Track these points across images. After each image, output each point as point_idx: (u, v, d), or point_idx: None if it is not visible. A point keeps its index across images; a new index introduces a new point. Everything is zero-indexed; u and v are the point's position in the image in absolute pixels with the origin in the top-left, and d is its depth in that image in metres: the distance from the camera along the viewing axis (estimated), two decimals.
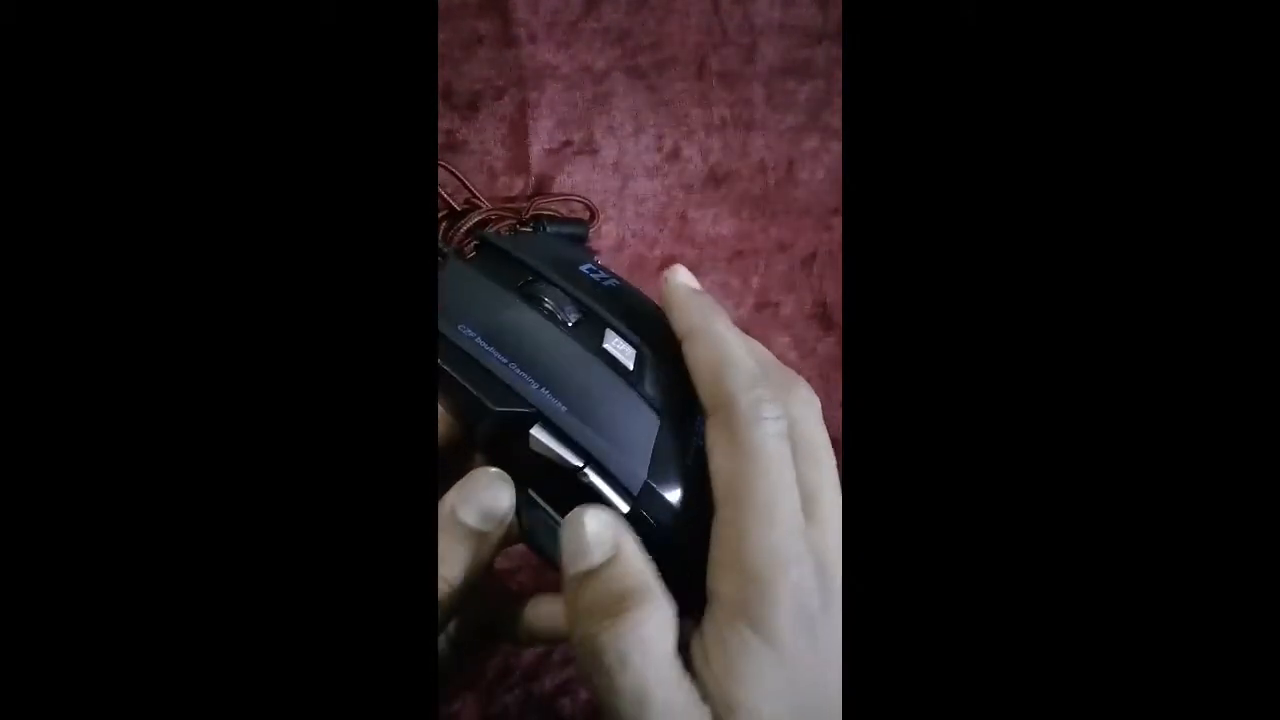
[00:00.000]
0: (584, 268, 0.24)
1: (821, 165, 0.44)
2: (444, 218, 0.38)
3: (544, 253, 0.24)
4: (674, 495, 0.22)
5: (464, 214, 0.38)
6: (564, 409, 0.22)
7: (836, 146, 0.44)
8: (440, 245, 0.30)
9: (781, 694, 0.20)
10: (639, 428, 0.22)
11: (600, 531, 0.21)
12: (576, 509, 0.22)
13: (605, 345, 0.23)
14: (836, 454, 0.41)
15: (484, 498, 0.23)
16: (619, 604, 0.21)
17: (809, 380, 0.25)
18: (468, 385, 0.22)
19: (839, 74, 0.44)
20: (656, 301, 0.25)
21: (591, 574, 0.21)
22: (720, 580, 0.21)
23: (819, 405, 0.24)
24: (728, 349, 0.23)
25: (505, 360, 0.22)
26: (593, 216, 0.39)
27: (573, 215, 0.40)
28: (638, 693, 0.20)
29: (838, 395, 0.43)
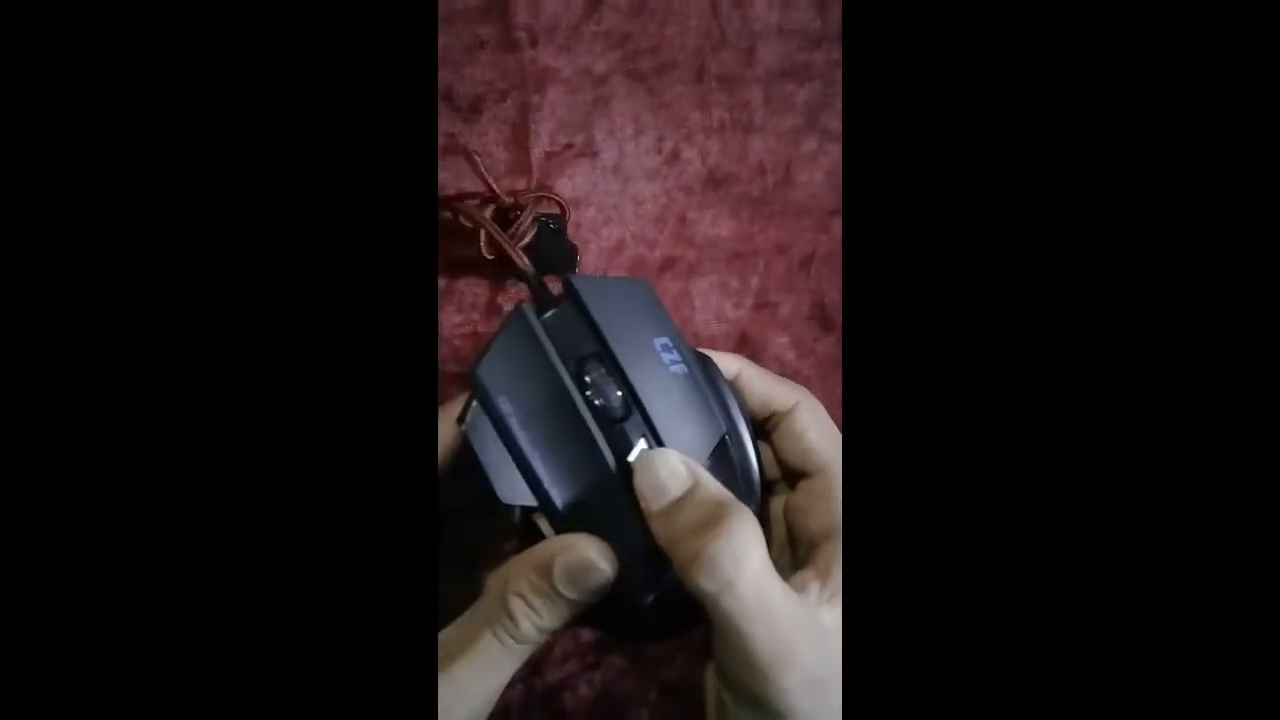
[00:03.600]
0: (658, 343, 0.23)
1: (820, 167, 0.44)
2: (479, 202, 0.37)
3: (622, 316, 0.23)
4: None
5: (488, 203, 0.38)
6: (567, 515, 0.22)
7: (835, 149, 0.44)
8: (519, 275, 0.29)
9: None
10: (635, 550, 0.22)
11: (674, 467, 0.23)
12: (643, 453, 0.23)
13: (630, 459, 0.22)
14: None
15: (591, 578, 0.23)
16: (714, 519, 0.22)
17: (807, 381, 0.27)
18: (485, 466, 0.22)
19: (838, 77, 0.44)
20: (721, 373, 0.27)
21: (677, 504, 0.23)
22: (830, 523, 0.26)
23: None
24: (771, 373, 0.29)
25: (528, 449, 0.22)
26: (564, 211, 0.40)
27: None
28: (756, 584, 0.22)
29: (837, 395, 0.43)
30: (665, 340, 0.23)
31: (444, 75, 0.40)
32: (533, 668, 0.40)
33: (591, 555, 0.23)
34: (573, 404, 0.22)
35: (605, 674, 0.41)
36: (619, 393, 0.23)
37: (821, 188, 0.44)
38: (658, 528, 0.23)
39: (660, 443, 0.23)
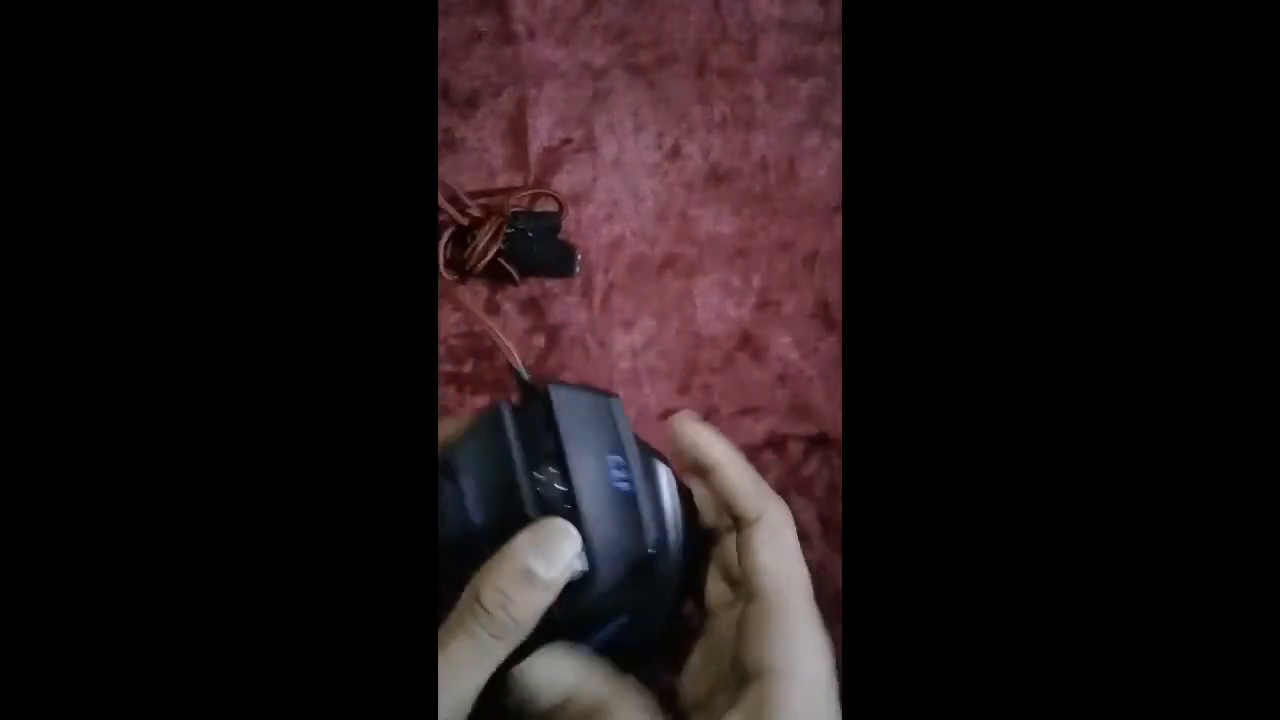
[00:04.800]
0: (611, 459, 0.26)
1: (823, 163, 0.44)
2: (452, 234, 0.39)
3: (584, 428, 0.26)
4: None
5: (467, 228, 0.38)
6: None
7: (839, 144, 0.44)
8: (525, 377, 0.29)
9: None
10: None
11: (555, 677, 0.25)
12: (522, 667, 0.25)
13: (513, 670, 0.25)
14: (837, 454, 0.41)
15: (562, 550, 0.25)
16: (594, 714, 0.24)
17: (810, 380, 0.26)
18: (444, 529, 0.25)
19: (840, 71, 0.44)
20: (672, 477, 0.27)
21: (563, 706, 0.24)
22: (769, 656, 0.24)
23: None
24: (752, 472, 0.27)
25: (477, 525, 0.25)
26: (561, 208, 0.39)
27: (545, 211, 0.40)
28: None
29: (839, 396, 0.43)
30: (619, 459, 0.26)
31: (440, 69, 0.39)
32: None
33: (560, 524, 0.25)
34: (520, 494, 0.25)
35: None
36: (563, 492, 0.25)
37: (825, 184, 0.44)
38: None
39: (587, 545, 0.25)
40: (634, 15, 0.41)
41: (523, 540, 0.24)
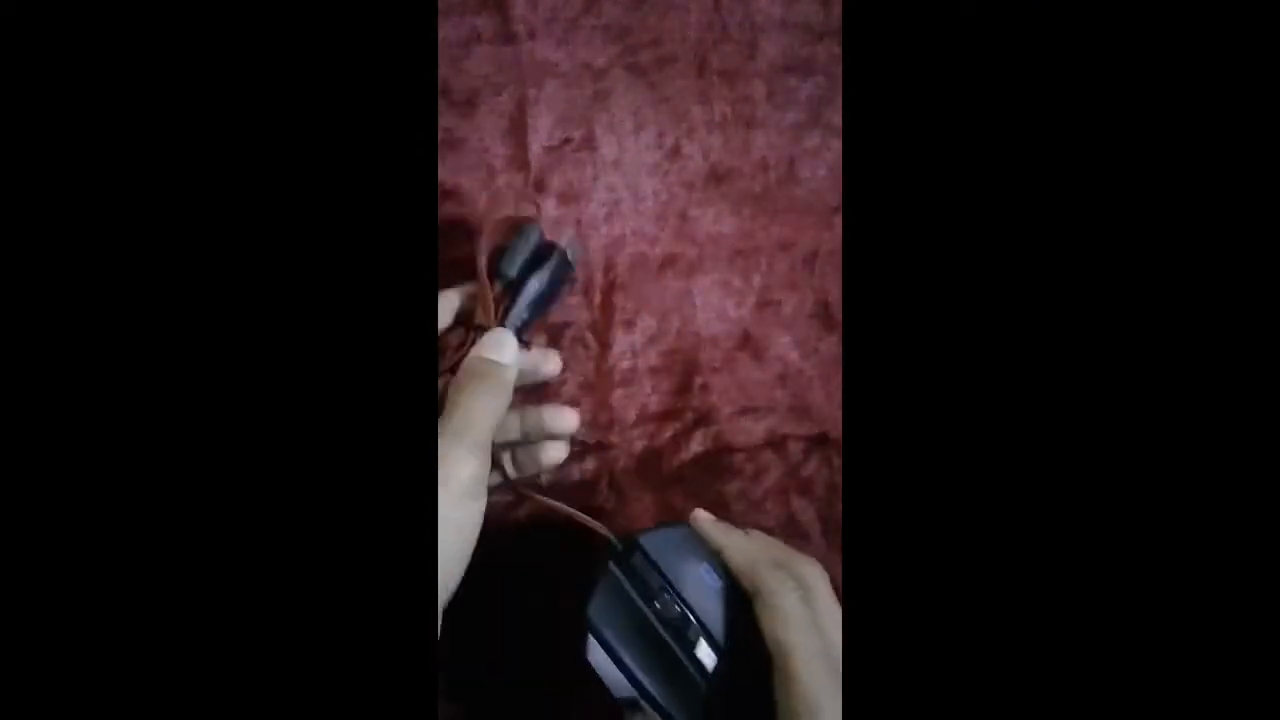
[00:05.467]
0: (702, 568, 0.33)
1: (823, 163, 0.44)
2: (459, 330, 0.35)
3: (678, 556, 0.33)
4: None
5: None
6: (659, 699, 0.31)
7: (839, 144, 0.44)
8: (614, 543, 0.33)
9: None
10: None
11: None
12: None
13: (696, 653, 0.32)
14: (837, 454, 0.40)
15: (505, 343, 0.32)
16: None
17: (810, 380, 0.26)
18: (602, 678, 0.31)
19: (840, 71, 0.44)
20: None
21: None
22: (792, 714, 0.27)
23: (827, 576, 0.31)
24: (751, 553, 0.32)
25: (629, 663, 0.31)
26: (564, 259, 0.36)
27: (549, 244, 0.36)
28: None
29: (838, 396, 0.43)
30: (707, 565, 0.32)
31: (441, 68, 0.39)
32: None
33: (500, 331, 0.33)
34: (653, 626, 0.31)
35: None
36: (679, 610, 0.32)
37: (825, 184, 0.44)
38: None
39: (710, 637, 0.32)
40: (634, 15, 0.41)
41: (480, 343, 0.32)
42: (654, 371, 0.42)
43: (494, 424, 0.30)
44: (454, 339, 0.34)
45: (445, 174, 0.39)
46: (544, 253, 0.35)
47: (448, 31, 0.39)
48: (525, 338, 0.34)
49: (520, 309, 0.34)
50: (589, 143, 0.41)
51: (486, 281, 0.34)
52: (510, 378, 0.32)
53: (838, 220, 0.44)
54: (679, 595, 0.32)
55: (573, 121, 0.41)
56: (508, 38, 0.40)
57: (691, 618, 0.32)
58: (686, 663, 0.31)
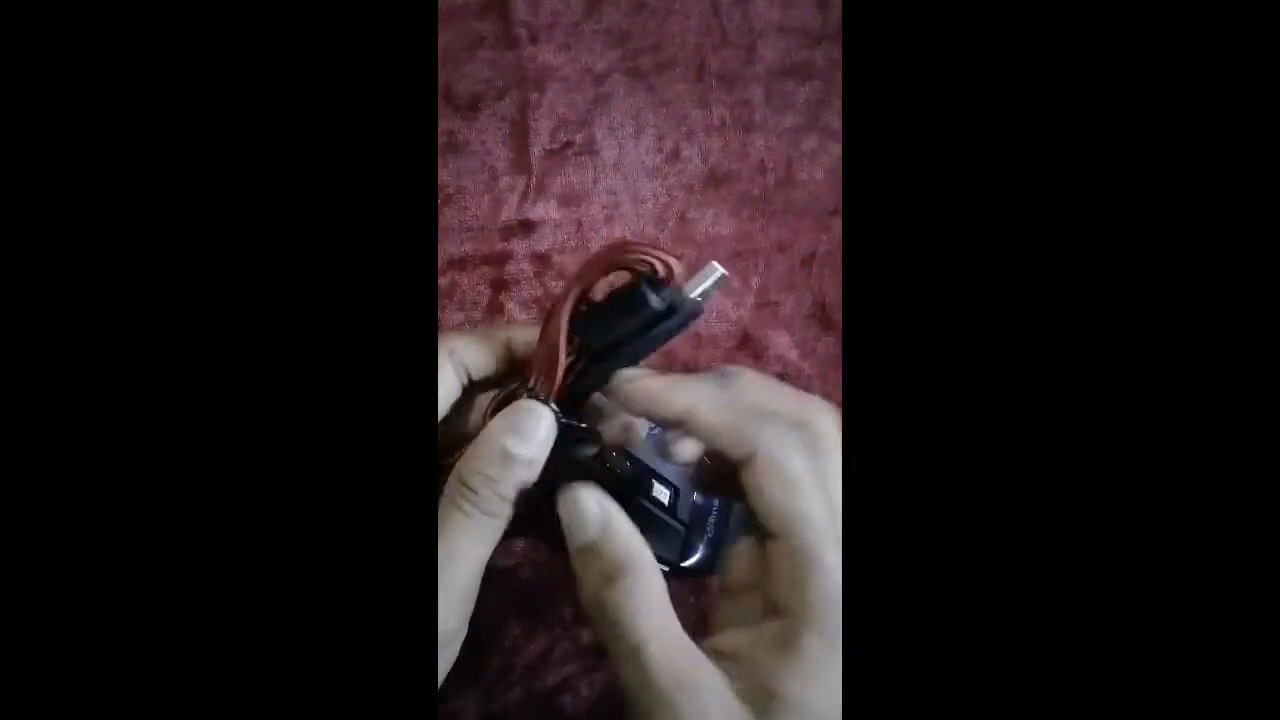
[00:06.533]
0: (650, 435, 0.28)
1: (821, 166, 0.44)
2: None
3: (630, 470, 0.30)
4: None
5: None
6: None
7: (835, 147, 0.44)
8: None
9: (834, 688, 0.22)
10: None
11: (594, 509, 0.24)
12: (570, 485, 0.25)
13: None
14: None
15: (535, 428, 0.25)
16: (616, 570, 0.23)
17: (809, 380, 0.25)
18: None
19: (838, 75, 0.44)
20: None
21: (591, 546, 0.24)
22: (789, 597, 0.22)
23: (838, 416, 0.25)
24: (738, 403, 0.24)
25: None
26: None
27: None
28: (636, 641, 0.22)
29: (838, 395, 0.43)
30: (670, 465, 0.29)
31: (443, 73, 0.40)
32: (532, 671, 0.40)
33: (531, 404, 0.25)
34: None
35: (605, 675, 0.41)
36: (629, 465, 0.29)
37: (822, 186, 0.44)
38: (574, 565, 0.24)
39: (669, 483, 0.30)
40: (634, 20, 0.42)
41: (497, 424, 0.25)
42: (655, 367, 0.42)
43: (480, 566, 0.24)
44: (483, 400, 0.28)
45: (448, 177, 0.39)
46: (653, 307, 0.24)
47: (451, 36, 0.40)
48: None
49: (593, 376, 0.26)
50: (590, 146, 0.42)
51: (564, 342, 0.25)
52: (522, 475, 0.24)
53: (835, 222, 0.44)
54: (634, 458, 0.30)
55: (573, 125, 0.42)
56: (510, 42, 0.40)
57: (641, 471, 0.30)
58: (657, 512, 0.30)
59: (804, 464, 0.23)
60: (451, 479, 0.25)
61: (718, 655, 0.23)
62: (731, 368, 0.25)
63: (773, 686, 0.22)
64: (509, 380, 0.27)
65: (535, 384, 0.25)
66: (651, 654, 0.22)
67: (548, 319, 0.25)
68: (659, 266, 0.24)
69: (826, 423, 0.24)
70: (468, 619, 0.24)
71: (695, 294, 0.24)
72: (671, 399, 0.24)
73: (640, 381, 0.25)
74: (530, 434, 0.25)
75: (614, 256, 0.24)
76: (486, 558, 0.24)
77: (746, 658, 0.23)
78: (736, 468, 0.24)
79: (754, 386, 0.25)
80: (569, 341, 0.25)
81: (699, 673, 0.22)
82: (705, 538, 0.31)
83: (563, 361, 0.25)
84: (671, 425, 0.25)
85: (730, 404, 0.24)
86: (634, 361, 0.25)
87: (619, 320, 0.24)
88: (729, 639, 0.23)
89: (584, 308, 0.25)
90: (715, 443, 0.24)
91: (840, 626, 0.22)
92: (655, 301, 0.24)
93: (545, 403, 0.25)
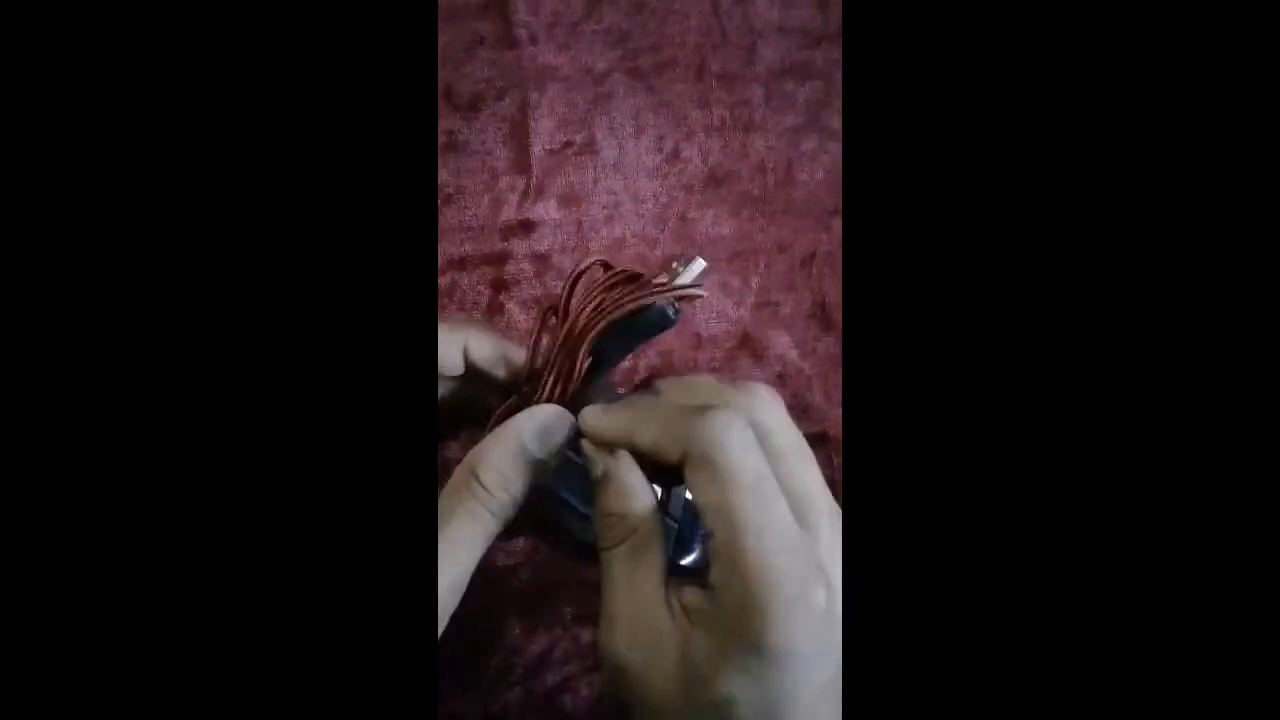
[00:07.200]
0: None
1: (821, 166, 0.44)
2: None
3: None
4: None
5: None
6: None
7: (835, 147, 0.44)
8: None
9: (768, 690, 0.21)
10: None
11: (640, 485, 0.24)
12: (619, 454, 0.24)
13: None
14: (837, 453, 0.40)
15: (557, 433, 0.25)
16: (625, 538, 0.24)
17: (809, 380, 0.25)
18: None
19: (838, 75, 0.44)
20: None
21: (616, 516, 0.24)
22: (722, 597, 0.22)
23: (783, 404, 0.25)
24: (661, 423, 0.24)
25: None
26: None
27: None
28: (628, 604, 0.23)
29: (838, 395, 0.43)
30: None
31: (443, 73, 0.40)
32: (532, 671, 0.40)
33: (557, 409, 0.26)
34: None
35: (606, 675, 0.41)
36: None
37: (822, 187, 0.44)
38: (597, 526, 0.25)
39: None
40: (634, 20, 0.42)
41: (523, 420, 0.25)
42: (653, 372, 0.42)
43: (473, 564, 0.24)
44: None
45: (448, 177, 0.39)
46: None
47: (451, 36, 0.40)
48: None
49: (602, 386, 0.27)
50: (590, 146, 0.42)
51: (583, 355, 0.26)
52: (535, 476, 0.25)
53: (835, 222, 0.44)
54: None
55: (574, 125, 0.42)
56: (510, 42, 0.40)
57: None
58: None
59: (723, 454, 0.22)
60: (460, 471, 0.25)
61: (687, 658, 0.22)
62: (660, 379, 0.26)
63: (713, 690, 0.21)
64: (495, 377, 0.28)
65: (552, 391, 0.26)
66: (637, 616, 0.23)
67: (568, 334, 0.26)
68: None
69: (747, 401, 0.24)
70: (449, 615, 0.24)
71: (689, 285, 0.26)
72: (616, 430, 0.25)
73: (590, 420, 0.25)
74: (553, 437, 0.25)
75: (642, 296, 0.26)
76: (480, 556, 0.25)
77: (700, 661, 0.22)
78: (680, 475, 0.24)
79: (674, 388, 0.26)
80: (587, 355, 0.26)
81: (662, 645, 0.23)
82: (699, 535, 0.31)
83: (580, 374, 0.26)
84: (626, 449, 0.25)
85: (658, 416, 0.24)
86: (614, 363, 0.27)
87: (638, 339, 0.26)
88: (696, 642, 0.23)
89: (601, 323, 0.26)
90: (655, 458, 0.24)
91: (777, 619, 0.21)
92: (673, 314, 0.26)
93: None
